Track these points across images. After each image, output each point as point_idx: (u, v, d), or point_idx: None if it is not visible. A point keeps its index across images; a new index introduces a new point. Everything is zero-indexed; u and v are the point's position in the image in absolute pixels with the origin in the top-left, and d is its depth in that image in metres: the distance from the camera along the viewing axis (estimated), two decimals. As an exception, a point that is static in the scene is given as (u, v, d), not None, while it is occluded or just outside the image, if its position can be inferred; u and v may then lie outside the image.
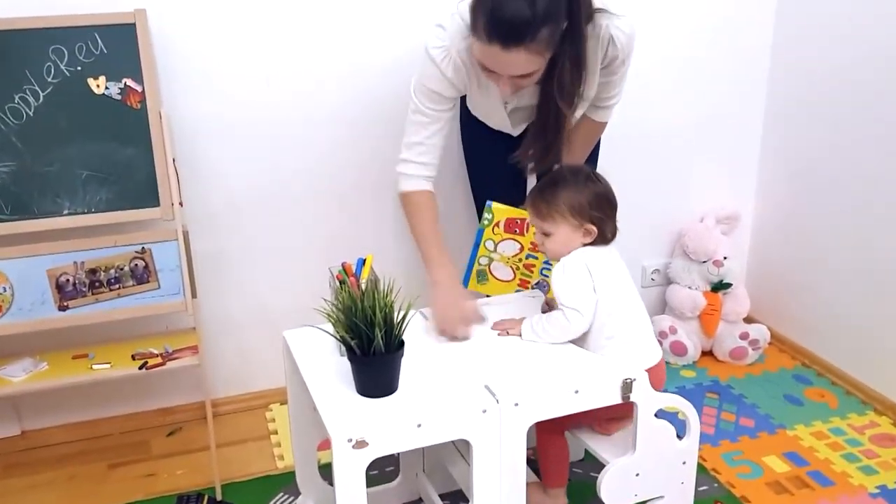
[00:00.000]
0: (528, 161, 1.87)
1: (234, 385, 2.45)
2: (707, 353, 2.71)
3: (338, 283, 1.65)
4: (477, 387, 1.52)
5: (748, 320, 2.71)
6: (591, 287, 1.65)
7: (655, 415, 1.60)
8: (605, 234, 1.69)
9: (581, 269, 1.66)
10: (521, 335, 1.70)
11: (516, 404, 1.48)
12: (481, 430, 1.47)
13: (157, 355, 2.05)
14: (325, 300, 1.52)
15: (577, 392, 1.53)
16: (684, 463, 1.68)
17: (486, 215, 2.00)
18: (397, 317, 1.48)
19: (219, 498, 2.06)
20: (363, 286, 1.59)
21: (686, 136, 2.63)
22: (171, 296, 2.03)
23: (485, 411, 1.46)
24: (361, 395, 1.50)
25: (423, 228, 1.85)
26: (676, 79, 2.55)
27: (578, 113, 1.87)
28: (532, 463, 1.76)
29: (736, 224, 2.73)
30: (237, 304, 2.37)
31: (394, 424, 1.41)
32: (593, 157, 2.11)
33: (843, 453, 2.17)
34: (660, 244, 2.75)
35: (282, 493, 2.07)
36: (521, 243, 2.03)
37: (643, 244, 2.72)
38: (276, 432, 2.34)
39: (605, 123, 1.99)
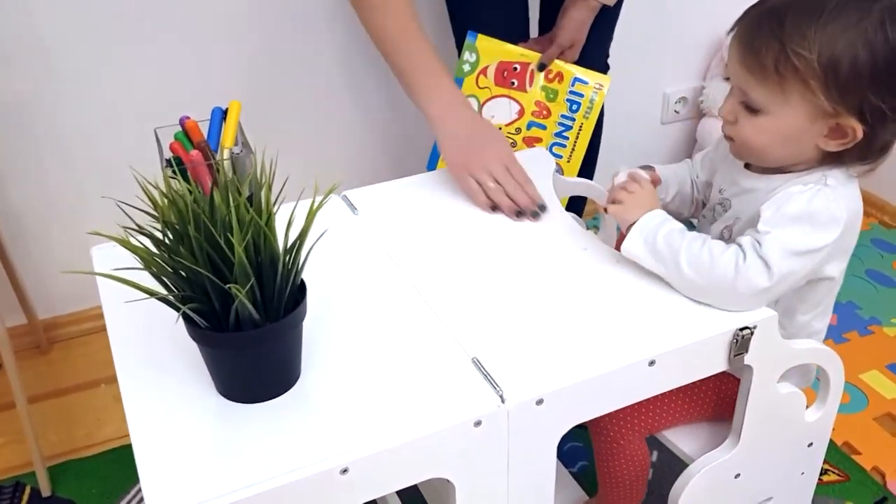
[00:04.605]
0: None
1: (79, 297, 1.65)
2: (751, 213, 2.02)
3: (168, 167, 0.83)
4: (460, 368, 0.76)
5: (808, 165, 1.99)
6: (822, 253, 0.85)
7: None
8: (870, 149, 0.85)
9: (838, 219, 0.85)
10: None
11: (539, 401, 0.73)
12: (472, 458, 0.72)
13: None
14: (122, 207, 0.71)
15: (652, 364, 0.79)
16: (810, 445, 0.99)
17: (465, 55, 1.34)
18: (288, 234, 0.69)
19: (45, 491, 1.32)
20: (223, 168, 0.78)
21: None
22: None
23: (478, 423, 0.71)
24: (224, 396, 0.74)
25: (393, 31, 1.08)
26: None
27: None
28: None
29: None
30: (77, 176, 1.54)
31: (290, 467, 0.66)
32: None
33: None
34: (688, 62, 2.03)
35: (148, 477, 1.34)
36: (520, 103, 1.36)
37: (664, 63, 1.99)
38: (143, 368, 1.58)
39: None
